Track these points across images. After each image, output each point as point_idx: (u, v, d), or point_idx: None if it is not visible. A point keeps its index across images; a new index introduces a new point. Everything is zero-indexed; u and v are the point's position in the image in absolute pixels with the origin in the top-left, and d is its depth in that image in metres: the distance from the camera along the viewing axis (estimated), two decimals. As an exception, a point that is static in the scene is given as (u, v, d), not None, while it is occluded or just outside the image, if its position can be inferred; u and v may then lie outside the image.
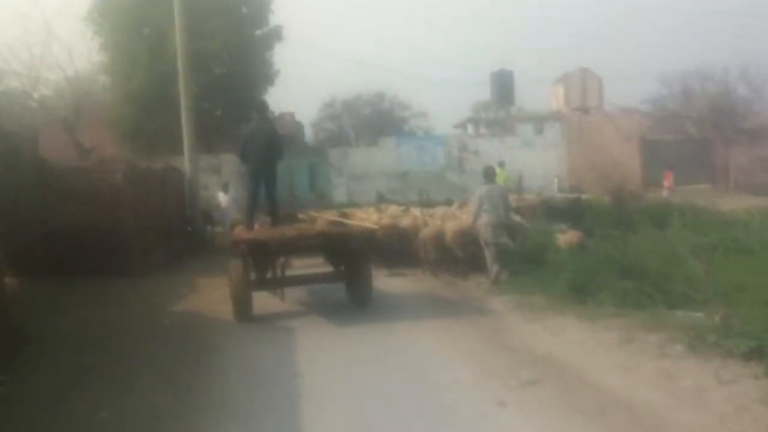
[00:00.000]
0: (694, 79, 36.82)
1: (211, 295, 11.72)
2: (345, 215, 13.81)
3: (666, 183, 30.16)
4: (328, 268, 10.89)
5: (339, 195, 33.52)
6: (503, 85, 35.50)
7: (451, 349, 7.64)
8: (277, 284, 10.32)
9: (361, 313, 9.78)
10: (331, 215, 13.49)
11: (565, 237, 12.67)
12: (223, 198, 20.46)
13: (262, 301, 10.15)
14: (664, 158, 34.07)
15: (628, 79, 57.76)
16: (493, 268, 11.25)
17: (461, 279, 12.19)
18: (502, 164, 21.65)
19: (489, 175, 11.83)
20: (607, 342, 7.19)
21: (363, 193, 32.70)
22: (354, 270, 10.02)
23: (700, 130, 36.00)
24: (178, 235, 17.91)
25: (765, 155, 34.46)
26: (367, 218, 14.32)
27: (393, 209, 17.16)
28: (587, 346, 7.15)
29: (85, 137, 30.37)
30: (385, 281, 12.35)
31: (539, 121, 35.35)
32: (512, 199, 19.52)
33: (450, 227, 12.65)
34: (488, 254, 11.38)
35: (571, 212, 18.75)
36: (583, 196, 22.79)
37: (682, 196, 22.96)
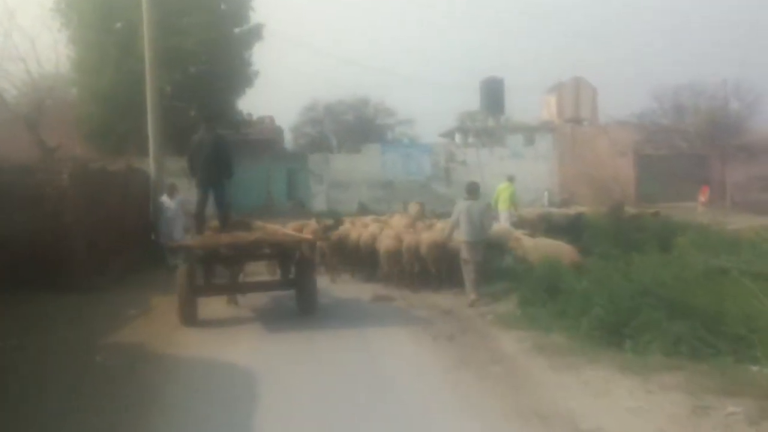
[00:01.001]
0: (686, 94, 36.59)
1: (163, 318, 9.92)
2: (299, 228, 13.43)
3: (702, 198, 29.19)
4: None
5: (319, 203, 31.73)
6: (493, 93, 33.91)
7: (462, 414, 5.87)
8: (225, 290, 10.92)
9: (335, 349, 8.16)
10: (276, 226, 12.98)
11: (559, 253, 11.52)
12: (168, 203, 15.97)
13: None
14: (659, 173, 32.98)
15: (622, 91, 56.24)
16: (471, 290, 10.96)
17: (432, 292, 11.92)
18: (512, 178, 19.91)
19: (472, 190, 11.53)
20: (673, 411, 5.41)
21: (344, 202, 30.96)
22: (299, 279, 10.29)
23: (693, 145, 35.31)
24: (139, 245, 16.01)
25: (762, 173, 33.44)
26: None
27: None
28: (648, 417, 5.36)
29: (50, 136, 28.29)
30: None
31: (530, 131, 33.86)
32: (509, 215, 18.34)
33: (425, 240, 12.18)
34: (467, 272, 11.11)
35: (572, 229, 17.33)
36: (581, 211, 21.21)
37: (715, 214, 21.39)
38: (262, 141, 35.06)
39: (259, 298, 11.42)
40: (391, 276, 12.61)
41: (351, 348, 8.28)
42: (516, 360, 7.42)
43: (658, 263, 10.25)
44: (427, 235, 12.39)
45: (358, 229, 14.07)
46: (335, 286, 12.98)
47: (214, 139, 11.23)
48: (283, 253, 10.71)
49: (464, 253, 11.05)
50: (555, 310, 9.09)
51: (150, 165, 18.23)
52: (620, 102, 49.45)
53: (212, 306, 10.58)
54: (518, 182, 31.90)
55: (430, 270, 12.21)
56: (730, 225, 18.94)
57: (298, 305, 10.31)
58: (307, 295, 10.18)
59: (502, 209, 18.60)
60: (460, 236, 11.09)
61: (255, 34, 30.66)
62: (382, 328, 9.38)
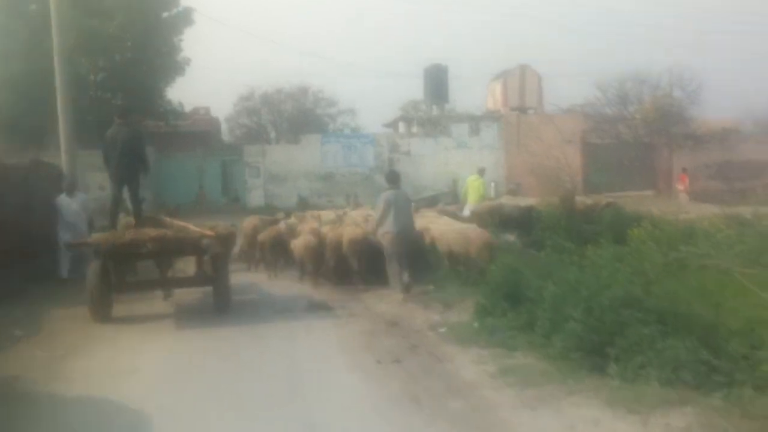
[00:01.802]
0: (630, 84, 35.95)
1: (53, 341, 8.23)
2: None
3: (681, 186, 28.43)
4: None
5: (255, 198, 30.03)
6: (437, 81, 32.59)
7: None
8: (140, 287, 10.77)
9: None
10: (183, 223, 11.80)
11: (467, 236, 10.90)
12: (67, 203, 13.45)
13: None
14: (606, 162, 32.31)
15: (565, 80, 55.70)
16: (403, 276, 10.45)
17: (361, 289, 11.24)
18: (482, 171, 19.50)
19: (394, 179, 11.31)
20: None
21: (282, 197, 29.37)
22: (214, 275, 10.06)
23: (639, 134, 34.91)
24: (46, 252, 14.11)
25: (709, 161, 33.11)
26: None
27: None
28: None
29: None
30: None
31: (475, 120, 32.62)
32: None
33: (347, 234, 11.58)
34: (391, 266, 10.73)
35: (524, 221, 16.17)
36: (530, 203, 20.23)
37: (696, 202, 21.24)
38: (195, 133, 33.14)
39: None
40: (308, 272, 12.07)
41: (273, 377, 6.75)
42: (479, 391, 5.99)
43: (613, 256, 9.01)
44: (350, 230, 11.76)
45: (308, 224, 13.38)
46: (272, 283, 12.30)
47: (129, 133, 11.01)
48: (194, 250, 10.33)
49: (391, 246, 10.63)
50: (519, 322, 7.73)
51: (62, 159, 16.28)
52: (564, 92, 48.61)
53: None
54: (464, 173, 31.33)
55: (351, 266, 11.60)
56: (681, 215, 18.29)
57: (214, 302, 9.98)
58: (220, 292, 9.94)
59: (472, 201, 18.06)
60: (385, 228, 10.69)
61: (185, 18, 28.71)
62: (314, 349, 7.89)
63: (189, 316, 9.93)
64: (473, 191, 18.56)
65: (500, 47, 64.24)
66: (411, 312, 9.53)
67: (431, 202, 24.81)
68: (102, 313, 9.31)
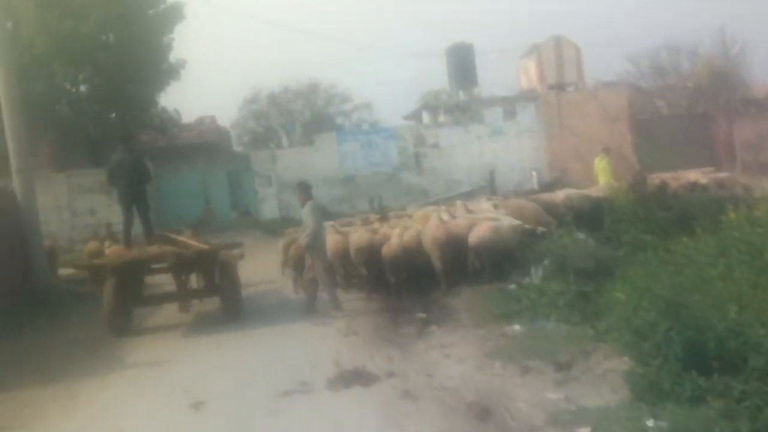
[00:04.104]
0: (665, 53, 34.16)
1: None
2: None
3: None
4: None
5: (268, 210, 26.54)
6: (462, 63, 28.80)
7: None
8: (152, 301, 11.42)
9: None
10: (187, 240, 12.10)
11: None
12: None
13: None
14: (659, 138, 28.52)
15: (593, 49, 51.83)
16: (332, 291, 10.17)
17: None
18: (607, 150, 18.89)
19: (306, 189, 10.74)
20: None
21: (299, 207, 25.69)
22: (222, 286, 10.61)
23: (691, 105, 31.69)
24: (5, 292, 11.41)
25: (774, 129, 29.35)
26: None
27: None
28: None
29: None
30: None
31: (509, 103, 28.88)
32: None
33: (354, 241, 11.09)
34: (330, 283, 10.32)
35: (596, 214, 13.77)
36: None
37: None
38: (201, 145, 29.82)
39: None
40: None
41: None
42: None
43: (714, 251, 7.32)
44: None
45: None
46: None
47: (133, 159, 11.78)
48: (199, 264, 10.80)
49: (324, 261, 10.24)
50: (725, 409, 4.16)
51: (14, 180, 13.09)
52: (595, 63, 44.70)
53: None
54: (501, 162, 27.86)
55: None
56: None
57: (222, 312, 10.53)
58: (230, 302, 10.49)
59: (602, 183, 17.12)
60: (321, 240, 10.35)
61: (174, 13, 25.32)
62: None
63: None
64: (602, 173, 17.96)
65: (526, 18, 59.61)
66: (504, 382, 5.95)
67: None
68: (120, 325, 9.97)
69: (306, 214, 10.20)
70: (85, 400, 6.83)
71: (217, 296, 10.67)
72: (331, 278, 10.48)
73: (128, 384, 7.31)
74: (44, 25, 21.72)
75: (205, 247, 10.94)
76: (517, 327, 7.61)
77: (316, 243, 10.13)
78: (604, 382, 5.39)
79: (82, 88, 25.44)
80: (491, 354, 6.79)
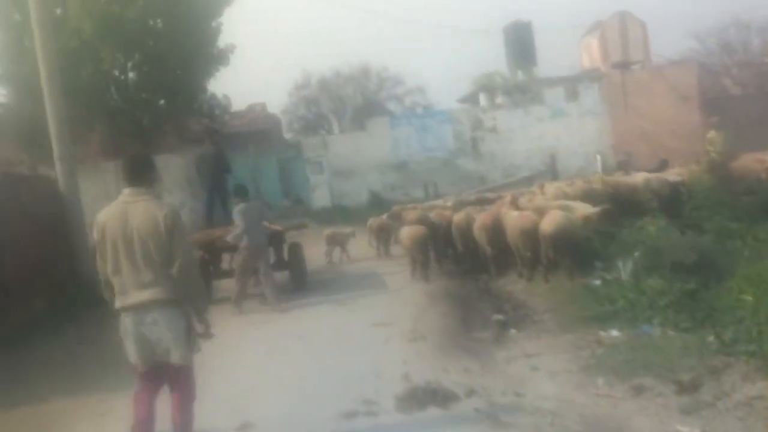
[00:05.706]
0: (733, 30, 33.36)
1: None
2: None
3: None
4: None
5: (320, 198, 25.72)
6: (521, 42, 27.52)
7: None
8: (228, 275, 11.52)
9: None
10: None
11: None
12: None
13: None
14: (732, 119, 26.76)
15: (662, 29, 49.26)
16: (239, 290, 10.46)
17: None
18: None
19: (242, 192, 10.82)
20: None
21: (351, 194, 25.10)
22: (290, 261, 11.80)
23: (762, 82, 30.17)
24: (48, 286, 10.83)
25: None
26: None
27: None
28: None
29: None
30: None
31: (571, 83, 27.44)
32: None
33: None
34: (238, 279, 10.53)
35: (674, 200, 13.06)
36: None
37: None
38: (252, 133, 29.13)
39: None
40: None
41: None
42: None
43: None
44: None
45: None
46: None
47: (216, 151, 13.93)
48: (271, 243, 11.45)
49: (246, 262, 10.50)
50: None
51: (56, 168, 12.45)
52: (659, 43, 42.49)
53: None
54: (563, 146, 26.53)
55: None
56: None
57: (291, 282, 11.78)
58: (297, 275, 11.70)
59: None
60: (243, 242, 10.43)
61: (223, -3, 24.55)
62: None
63: None
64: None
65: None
66: (614, 406, 4.87)
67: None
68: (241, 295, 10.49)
69: (235, 214, 10.62)
70: (116, 416, 5.96)
71: (286, 270, 11.84)
72: (246, 277, 10.71)
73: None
74: (91, 9, 21.18)
75: (277, 228, 11.85)
76: (615, 333, 6.53)
77: (242, 242, 10.44)
78: (752, 414, 4.28)
79: (131, 75, 24.94)
80: (589, 368, 5.73)
